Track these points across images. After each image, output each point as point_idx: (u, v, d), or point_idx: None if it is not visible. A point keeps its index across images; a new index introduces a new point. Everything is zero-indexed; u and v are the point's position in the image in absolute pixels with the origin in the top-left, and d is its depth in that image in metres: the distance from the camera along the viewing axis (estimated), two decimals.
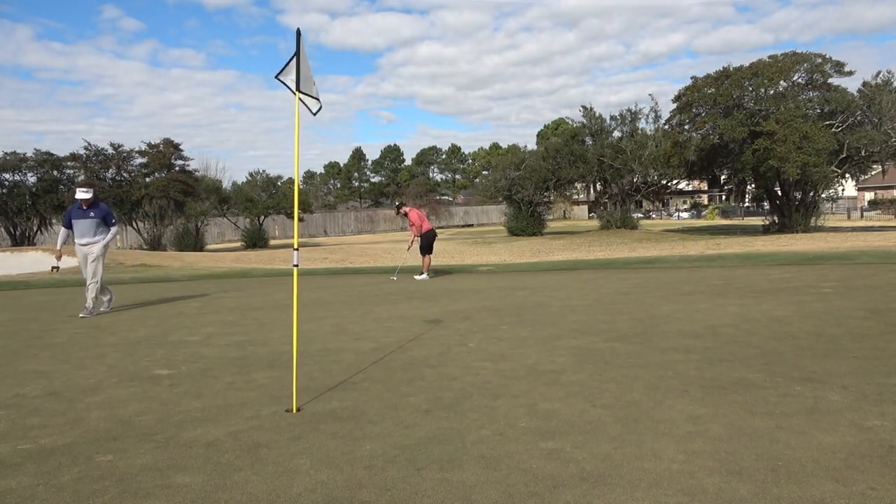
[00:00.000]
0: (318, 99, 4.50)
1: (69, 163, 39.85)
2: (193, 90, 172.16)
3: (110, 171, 40.11)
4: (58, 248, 9.49)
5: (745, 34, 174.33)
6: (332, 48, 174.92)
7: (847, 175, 35.81)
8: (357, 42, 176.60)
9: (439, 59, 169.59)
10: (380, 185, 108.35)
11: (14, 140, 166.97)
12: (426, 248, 13.53)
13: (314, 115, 4.54)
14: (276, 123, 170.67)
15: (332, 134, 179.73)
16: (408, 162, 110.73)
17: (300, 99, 4.34)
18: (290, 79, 4.29)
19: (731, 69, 34.30)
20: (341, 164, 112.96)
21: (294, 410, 4.11)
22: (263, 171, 50.16)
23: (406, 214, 13.76)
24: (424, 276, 13.27)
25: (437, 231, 15.42)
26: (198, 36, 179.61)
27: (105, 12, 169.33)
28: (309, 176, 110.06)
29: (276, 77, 4.30)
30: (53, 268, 9.78)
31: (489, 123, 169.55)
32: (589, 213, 75.39)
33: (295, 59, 4.25)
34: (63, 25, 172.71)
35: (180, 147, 40.74)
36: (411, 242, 14.19)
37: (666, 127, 39.86)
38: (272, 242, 49.97)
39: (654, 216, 72.79)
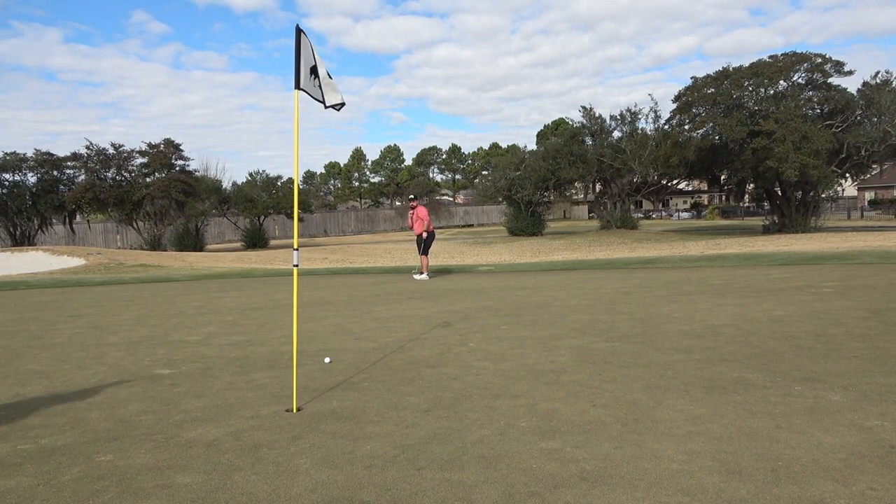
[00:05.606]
0: (321, 96, 4.48)
1: (70, 163, 39.89)
2: (211, 91, 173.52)
3: (111, 171, 40.13)
4: None
5: (757, 37, 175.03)
6: (352, 51, 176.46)
7: (847, 175, 35.80)
8: (376, 44, 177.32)
9: (455, 61, 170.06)
10: (380, 185, 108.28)
11: (30, 140, 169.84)
12: (426, 248, 13.55)
13: (330, 108, 4.56)
14: (288, 124, 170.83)
15: (341, 134, 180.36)
16: (408, 162, 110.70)
17: (305, 92, 4.36)
18: (313, 86, 4.33)
19: (731, 69, 34.29)
20: (342, 164, 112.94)
21: (294, 410, 4.11)
22: (263, 171, 50.20)
23: (414, 209, 13.66)
24: (424, 276, 13.30)
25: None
26: (222, 39, 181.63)
27: (135, 16, 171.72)
28: (309, 176, 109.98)
29: (299, 88, 4.29)
30: None
31: (498, 124, 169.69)
32: (589, 213, 75.39)
33: (298, 59, 4.26)
34: (92, 29, 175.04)
35: (180, 147, 40.78)
36: (413, 224, 13.69)
37: (666, 127, 39.89)
38: (272, 242, 49.99)
39: (654, 216, 72.76)
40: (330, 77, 4.55)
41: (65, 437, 3.76)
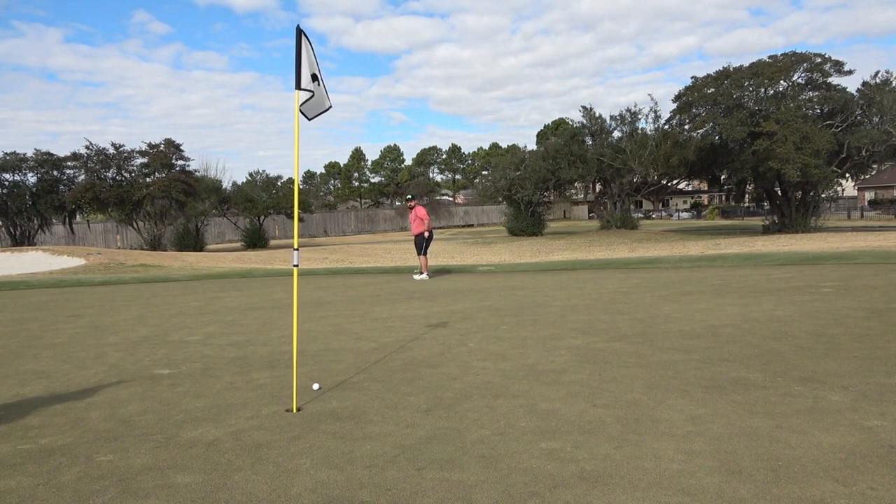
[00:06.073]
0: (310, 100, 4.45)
1: (70, 163, 39.87)
2: (212, 91, 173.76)
3: (111, 171, 40.12)
4: None
5: (757, 37, 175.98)
6: (353, 51, 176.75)
7: (847, 175, 35.81)
8: (377, 44, 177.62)
9: (455, 61, 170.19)
10: (380, 185, 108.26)
11: (30, 140, 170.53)
12: (426, 249, 13.53)
13: (309, 119, 4.50)
14: (288, 124, 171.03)
15: (341, 134, 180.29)
16: (408, 162, 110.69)
17: (309, 91, 4.34)
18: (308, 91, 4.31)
19: (731, 69, 34.31)
20: (342, 164, 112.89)
21: (294, 410, 4.11)
22: (263, 171, 50.21)
23: (412, 208, 13.62)
24: (424, 275, 13.29)
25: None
26: (223, 39, 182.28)
27: (136, 17, 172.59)
28: (309, 176, 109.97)
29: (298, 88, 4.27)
30: None
31: (498, 124, 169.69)
32: (589, 213, 75.38)
33: (298, 59, 4.24)
34: (93, 29, 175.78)
35: (181, 147, 40.78)
36: (417, 231, 13.69)
37: (666, 127, 39.91)
38: (272, 242, 49.99)
39: (654, 216, 72.75)
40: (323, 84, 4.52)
41: (65, 437, 3.76)
